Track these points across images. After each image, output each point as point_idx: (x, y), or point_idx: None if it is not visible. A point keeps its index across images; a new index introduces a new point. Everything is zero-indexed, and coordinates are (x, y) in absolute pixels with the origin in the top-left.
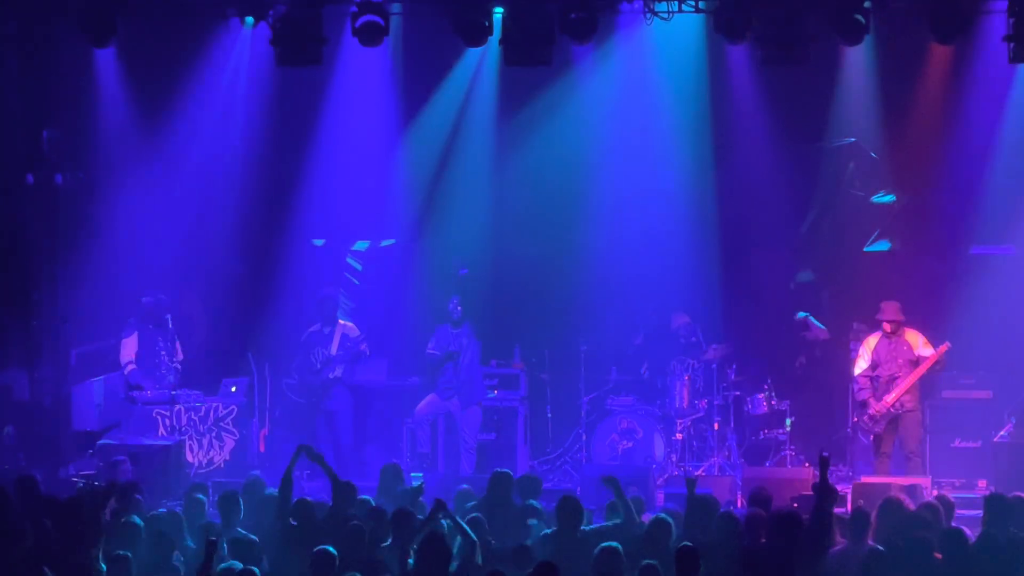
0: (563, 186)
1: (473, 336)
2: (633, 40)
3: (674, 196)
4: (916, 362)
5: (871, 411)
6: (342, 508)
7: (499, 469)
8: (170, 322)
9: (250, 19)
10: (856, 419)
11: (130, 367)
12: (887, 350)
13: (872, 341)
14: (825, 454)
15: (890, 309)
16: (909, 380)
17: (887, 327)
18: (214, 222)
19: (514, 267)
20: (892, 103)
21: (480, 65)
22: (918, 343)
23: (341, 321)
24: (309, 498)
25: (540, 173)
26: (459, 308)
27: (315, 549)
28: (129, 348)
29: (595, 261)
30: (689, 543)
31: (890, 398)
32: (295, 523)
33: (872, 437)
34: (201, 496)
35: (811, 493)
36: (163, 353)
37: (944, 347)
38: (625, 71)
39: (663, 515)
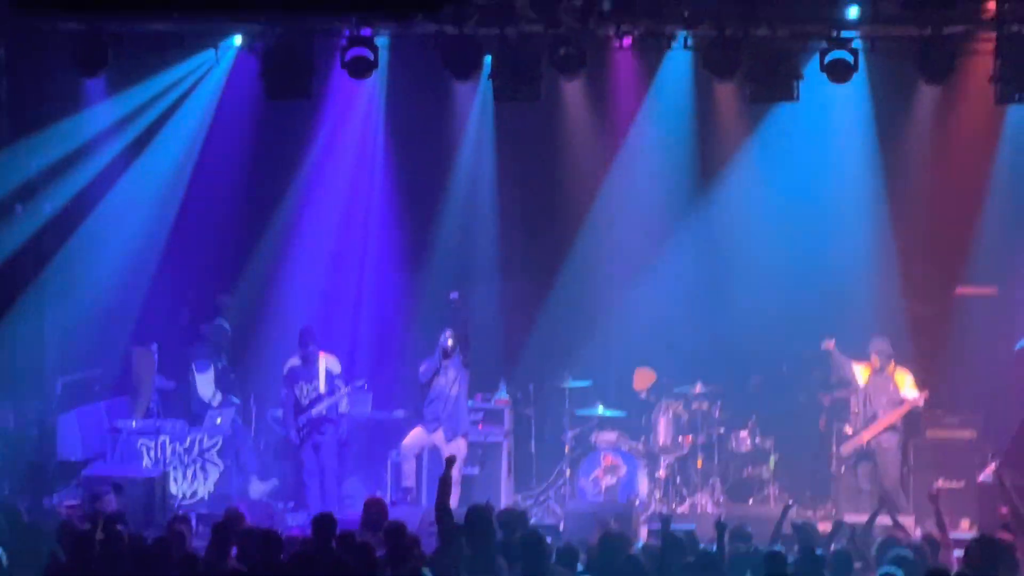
0: (550, 221)
1: (462, 367)
2: (621, 74)
3: (661, 230)
4: (900, 402)
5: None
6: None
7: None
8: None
9: (235, 38)
10: (835, 448)
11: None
12: (875, 385)
13: (864, 373)
14: (790, 503)
15: (878, 342)
16: (884, 421)
17: (875, 360)
18: (200, 254)
19: (500, 301)
20: (881, 142)
21: (471, 99)
22: (905, 383)
23: (323, 354)
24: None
25: (527, 206)
26: (449, 341)
27: None
28: (208, 382)
29: (581, 296)
30: None
31: (865, 435)
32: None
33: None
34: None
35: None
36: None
37: (922, 396)
38: (613, 105)
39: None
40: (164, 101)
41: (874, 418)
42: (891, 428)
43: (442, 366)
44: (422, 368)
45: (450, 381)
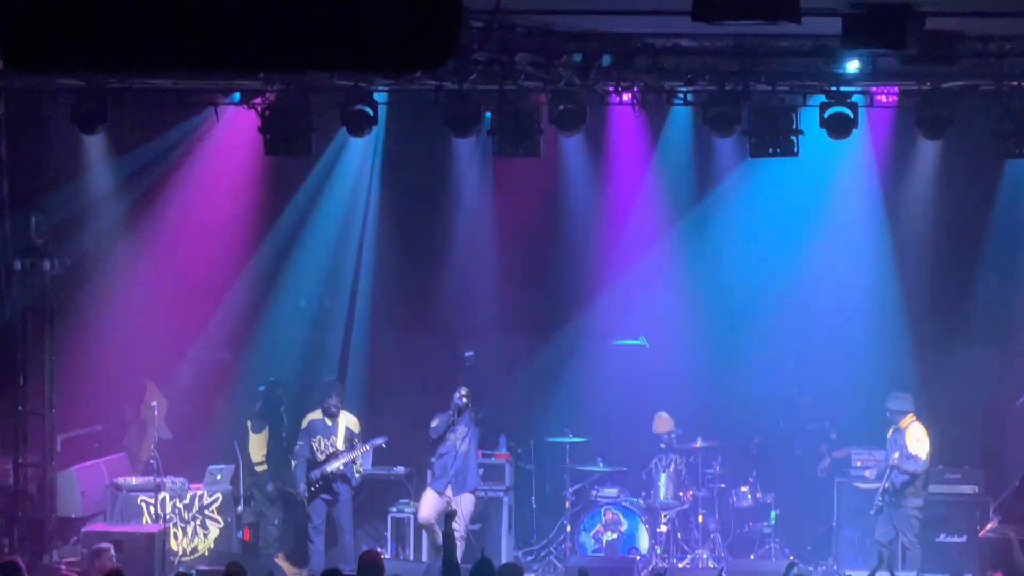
0: (550, 275)
1: (472, 423)
2: (621, 128)
3: (663, 286)
4: (906, 458)
5: None
6: None
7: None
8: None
9: (236, 96)
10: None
11: (262, 468)
12: (892, 442)
13: (890, 430)
14: (792, 559)
15: (888, 399)
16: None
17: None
18: (199, 309)
19: (499, 355)
20: (884, 194)
21: (470, 154)
22: (910, 440)
23: (343, 411)
24: None
25: (526, 261)
26: (464, 399)
27: None
28: (260, 445)
29: (580, 350)
30: None
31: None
32: None
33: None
34: None
35: None
36: (285, 443)
37: (901, 457)
38: (614, 158)
39: None
40: (167, 160)
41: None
42: (889, 487)
43: (454, 422)
44: (434, 423)
45: (460, 437)
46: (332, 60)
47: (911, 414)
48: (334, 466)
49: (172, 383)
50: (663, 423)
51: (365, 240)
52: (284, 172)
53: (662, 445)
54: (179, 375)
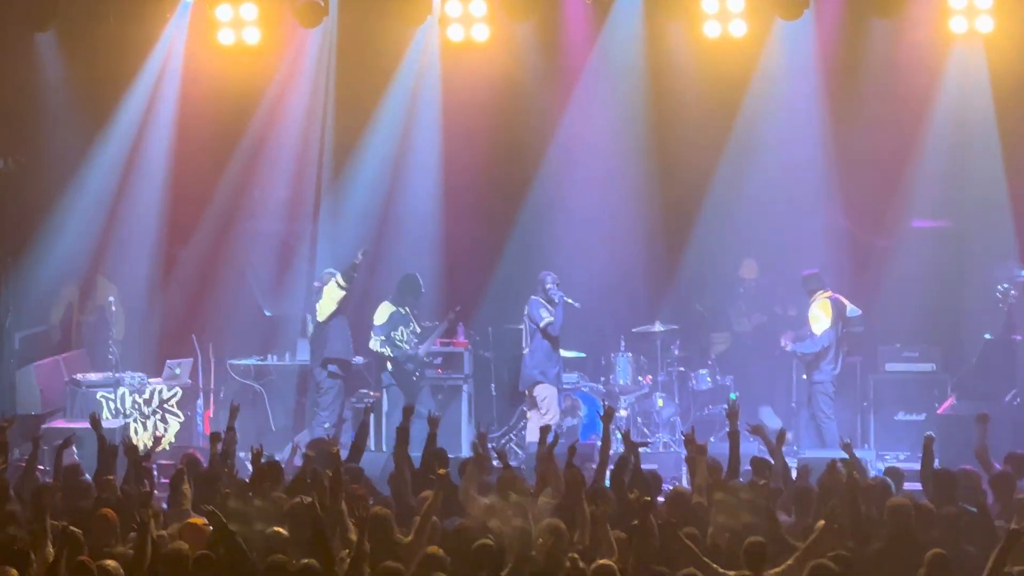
0: (506, 166)
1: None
2: (572, 19)
3: (617, 173)
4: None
5: None
6: None
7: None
8: None
9: None
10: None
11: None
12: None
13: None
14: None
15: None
16: None
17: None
18: (156, 205)
19: (458, 246)
20: (832, 78)
21: (418, 46)
22: (811, 319)
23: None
24: None
25: (486, 152)
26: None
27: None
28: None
29: (539, 240)
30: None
31: None
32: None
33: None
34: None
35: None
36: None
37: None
38: (565, 50)
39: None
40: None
41: None
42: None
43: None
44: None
45: None
46: None
47: (820, 290)
48: (426, 347)
49: (130, 280)
50: (749, 268)
51: (316, 132)
52: (240, 68)
53: (741, 290)
54: (136, 273)
